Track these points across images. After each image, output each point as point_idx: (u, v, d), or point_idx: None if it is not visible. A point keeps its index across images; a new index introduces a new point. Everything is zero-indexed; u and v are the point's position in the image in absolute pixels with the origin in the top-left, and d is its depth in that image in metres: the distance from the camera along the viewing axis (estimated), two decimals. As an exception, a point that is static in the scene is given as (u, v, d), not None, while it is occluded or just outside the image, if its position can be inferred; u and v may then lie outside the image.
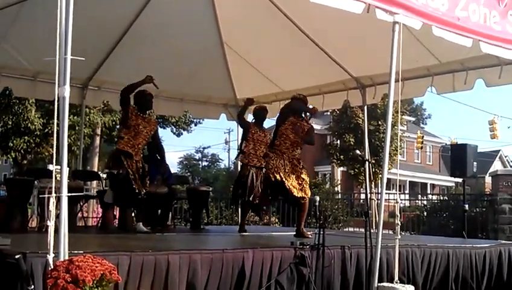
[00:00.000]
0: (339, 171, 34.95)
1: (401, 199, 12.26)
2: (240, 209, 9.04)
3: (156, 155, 7.75)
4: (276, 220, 14.10)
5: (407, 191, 33.76)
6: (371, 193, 10.48)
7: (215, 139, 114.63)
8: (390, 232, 5.85)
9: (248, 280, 4.66)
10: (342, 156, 26.92)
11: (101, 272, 3.19)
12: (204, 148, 61.12)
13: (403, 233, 11.16)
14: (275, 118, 8.08)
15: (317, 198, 6.14)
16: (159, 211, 8.35)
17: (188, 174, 50.69)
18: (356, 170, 25.53)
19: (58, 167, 3.55)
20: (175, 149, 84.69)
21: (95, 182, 11.92)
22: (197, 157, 63.02)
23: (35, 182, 7.37)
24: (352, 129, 25.73)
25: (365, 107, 9.61)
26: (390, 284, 5.02)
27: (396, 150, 17.62)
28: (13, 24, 7.62)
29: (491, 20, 5.69)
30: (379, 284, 4.99)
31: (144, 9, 8.34)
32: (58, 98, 3.55)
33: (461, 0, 5.38)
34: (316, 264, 5.05)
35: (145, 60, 9.03)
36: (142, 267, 4.07)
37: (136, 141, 7.02)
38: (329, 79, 9.23)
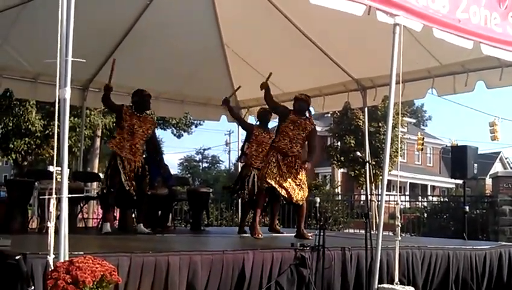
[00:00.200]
0: (339, 172, 34.95)
1: (401, 201, 12.27)
2: (240, 211, 9.05)
3: (156, 156, 7.75)
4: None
5: (407, 193, 33.78)
6: (371, 194, 10.48)
7: (216, 140, 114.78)
8: (391, 233, 5.85)
9: (248, 281, 4.66)
10: (342, 158, 26.90)
11: (101, 273, 3.20)
12: (204, 149, 61.18)
13: (403, 235, 11.17)
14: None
15: (318, 199, 6.14)
16: (159, 212, 8.35)
17: (188, 175, 50.70)
18: (356, 171, 25.52)
19: (59, 168, 3.55)
20: (175, 151, 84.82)
21: (95, 184, 11.91)
22: (198, 159, 63.07)
23: (36, 183, 7.37)
24: (352, 131, 25.72)
25: (366, 109, 9.62)
26: (390, 286, 5.02)
27: (397, 152, 17.58)
28: (14, 26, 7.62)
29: (492, 22, 5.69)
30: (379, 285, 4.99)
31: (144, 10, 8.34)
32: (59, 99, 3.56)
33: (462, 2, 5.39)
34: (316, 265, 5.05)
35: (146, 61, 9.04)
36: (142, 268, 4.08)
37: (133, 141, 6.99)
38: (329, 81, 9.24)
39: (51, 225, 3.48)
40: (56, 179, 3.54)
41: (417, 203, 19.80)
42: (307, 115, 7.14)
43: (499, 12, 5.78)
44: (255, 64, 9.46)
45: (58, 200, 3.49)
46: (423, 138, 29.59)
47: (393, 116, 5.16)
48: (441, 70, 7.94)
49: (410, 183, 39.19)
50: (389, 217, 12.78)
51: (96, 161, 19.04)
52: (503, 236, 10.97)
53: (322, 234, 5.02)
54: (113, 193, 6.86)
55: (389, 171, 5.66)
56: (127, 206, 7.53)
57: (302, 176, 6.92)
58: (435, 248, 6.24)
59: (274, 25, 8.26)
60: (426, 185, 42.41)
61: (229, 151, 50.64)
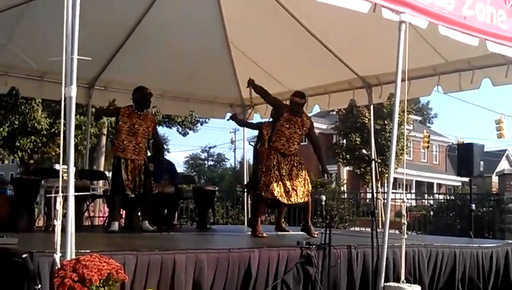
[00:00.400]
0: (345, 170, 34.91)
1: (407, 199, 12.22)
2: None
3: (162, 155, 7.78)
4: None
5: (413, 191, 33.70)
6: (377, 192, 10.49)
7: (221, 138, 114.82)
8: (397, 231, 5.84)
9: (254, 280, 4.66)
10: (348, 156, 26.89)
11: (108, 272, 3.20)
12: (210, 147, 61.30)
13: (410, 233, 11.13)
14: None
15: (324, 197, 6.17)
16: (166, 210, 8.37)
17: (194, 173, 50.81)
18: (362, 169, 25.50)
19: (65, 167, 3.56)
20: (181, 149, 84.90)
21: (101, 182, 11.95)
22: (203, 157, 63.19)
23: (42, 181, 7.40)
24: (358, 128, 25.70)
25: (371, 107, 9.59)
26: (396, 284, 5.01)
27: (403, 150, 17.55)
28: (19, 24, 7.64)
29: (498, 19, 5.67)
30: (385, 284, 4.98)
31: (149, 9, 8.35)
32: (64, 97, 3.57)
33: (468, -1, 5.37)
34: (322, 263, 5.04)
35: (151, 59, 9.05)
36: (148, 266, 4.09)
37: (136, 141, 6.99)
38: (335, 78, 9.22)
39: (58, 223, 3.49)
40: (62, 177, 3.55)
41: (423, 201, 19.76)
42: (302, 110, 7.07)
43: (504, 10, 5.76)
44: (260, 62, 9.46)
45: (65, 199, 3.50)
46: (429, 136, 29.43)
47: (399, 114, 5.14)
48: (446, 67, 7.91)
49: (416, 181, 39.10)
50: (395, 215, 12.76)
51: (102, 159, 19.08)
52: (509, 234, 10.93)
53: (328, 232, 5.01)
54: (118, 194, 6.90)
55: (395, 169, 5.66)
56: (131, 207, 7.56)
57: (303, 172, 6.91)
58: (441, 246, 6.23)
59: (279, 23, 8.25)
60: (432, 183, 42.30)
61: (235, 149, 50.77)
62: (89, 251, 3.61)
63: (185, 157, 61.27)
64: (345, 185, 28.60)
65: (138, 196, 6.99)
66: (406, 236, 5.08)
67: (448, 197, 17.98)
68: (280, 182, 6.69)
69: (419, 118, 45.21)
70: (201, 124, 23.61)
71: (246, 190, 8.37)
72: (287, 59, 9.02)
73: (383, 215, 6.40)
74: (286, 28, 8.29)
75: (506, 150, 44.58)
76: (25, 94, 11.30)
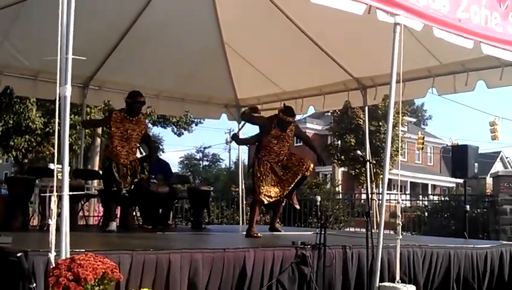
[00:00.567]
0: (339, 171, 34.96)
1: (402, 200, 12.26)
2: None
3: (158, 156, 7.79)
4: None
5: (408, 192, 33.77)
6: (372, 193, 10.49)
7: (216, 139, 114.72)
8: (392, 232, 5.85)
9: (249, 280, 4.67)
10: (342, 157, 26.93)
11: (103, 271, 3.20)
12: (205, 148, 61.30)
13: (404, 233, 11.13)
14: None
15: (319, 198, 6.18)
16: (160, 210, 8.36)
17: (189, 173, 50.78)
18: (357, 170, 25.56)
19: (60, 166, 3.55)
20: (176, 149, 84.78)
21: (96, 181, 11.93)
22: (198, 157, 63.18)
23: (37, 180, 7.39)
24: (353, 130, 25.75)
25: (366, 108, 9.61)
26: (391, 284, 5.03)
27: (397, 151, 17.64)
28: (14, 23, 7.62)
29: (492, 22, 5.69)
30: (380, 284, 4.99)
31: (145, 9, 8.34)
32: (59, 97, 3.56)
33: (462, 1, 5.38)
34: (318, 264, 5.05)
35: (146, 59, 9.05)
36: (143, 266, 4.08)
37: (129, 146, 7.05)
38: (330, 80, 9.24)
39: (52, 223, 3.48)
40: (57, 176, 3.54)
41: (418, 202, 19.81)
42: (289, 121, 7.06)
43: (499, 12, 5.78)
44: (255, 63, 9.47)
45: (59, 198, 3.49)
46: (423, 137, 29.55)
47: (394, 115, 5.16)
48: (441, 69, 7.93)
49: (410, 182, 39.21)
50: (390, 216, 12.77)
51: (97, 159, 19.02)
52: (504, 235, 10.97)
53: (323, 232, 5.02)
54: (111, 194, 6.91)
55: (390, 170, 5.67)
56: (126, 206, 7.55)
57: (294, 157, 7.00)
58: (436, 246, 6.25)
59: (274, 24, 8.26)
60: (427, 184, 42.43)
61: (230, 150, 50.71)
62: (83, 250, 3.61)
63: (180, 157, 61.29)
64: (340, 186, 28.65)
65: (133, 195, 7.01)
66: (400, 237, 5.09)
67: (442, 198, 17.99)
68: (278, 185, 6.80)
69: (414, 120, 45.34)
70: (196, 125, 23.63)
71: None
72: (282, 60, 9.03)
73: (378, 216, 6.41)
74: (281, 29, 8.31)
75: (500, 151, 44.79)
76: (19, 93, 11.27)
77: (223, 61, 9.83)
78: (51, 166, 10.44)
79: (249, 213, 7.52)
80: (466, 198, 10.68)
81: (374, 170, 19.15)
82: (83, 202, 8.28)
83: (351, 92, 9.27)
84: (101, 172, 10.42)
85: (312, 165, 6.99)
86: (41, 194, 6.39)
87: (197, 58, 9.32)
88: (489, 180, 22.30)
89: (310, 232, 6.78)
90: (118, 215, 7.92)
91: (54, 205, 3.48)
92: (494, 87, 7.59)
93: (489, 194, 15.55)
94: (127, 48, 8.87)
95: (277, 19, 8.14)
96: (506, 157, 46.75)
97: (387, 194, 5.36)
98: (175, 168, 48.32)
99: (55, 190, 3.50)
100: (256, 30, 8.55)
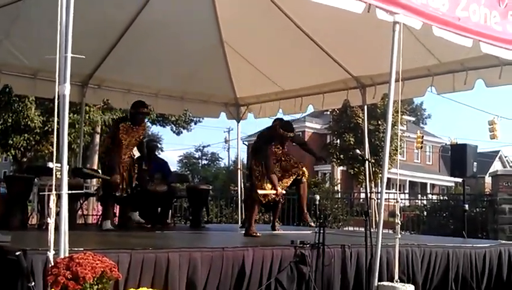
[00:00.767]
0: (338, 170, 34.97)
1: (401, 199, 12.25)
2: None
3: (156, 154, 7.82)
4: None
5: (407, 191, 33.79)
6: (371, 192, 10.52)
7: (215, 138, 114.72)
8: (390, 231, 5.86)
9: (248, 278, 4.67)
10: (342, 156, 26.95)
11: (102, 270, 3.20)
12: (204, 146, 61.27)
13: (403, 232, 11.16)
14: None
15: (317, 197, 6.19)
16: (159, 209, 8.36)
17: (188, 172, 50.74)
18: (356, 169, 25.57)
19: (58, 165, 3.55)
20: (175, 148, 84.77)
21: (94, 180, 11.91)
22: (197, 156, 63.18)
23: (35, 179, 7.38)
24: (352, 129, 25.76)
25: (365, 107, 9.60)
26: (390, 283, 5.03)
27: (396, 150, 17.63)
28: (14, 22, 7.60)
29: (492, 21, 5.69)
30: (379, 283, 5.00)
31: (144, 7, 8.33)
32: (58, 96, 3.56)
33: (462, 0, 5.38)
34: (316, 263, 5.05)
35: (145, 58, 9.04)
36: (142, 264, 4.08)
37: (130, 151, 7.27)
38: (329, 78, 9.23)
39: (51, 221, 3.48)
40: (56, 175, 3.54)
41: (417, 201, 19.81)
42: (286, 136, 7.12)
43: (498, 11, 5.78)
44: (254, 61, 9.47)
45: (58, 197, 3.49)
46: (422, 136, 29.58)
47: (393, 114, 5.15)
48: (440, 68, 7.93)
49: (409, 181, 39.24)
50: (389, 215, 12.79)
51: (96, 158, 18.99)
52: (502, 234, 10.98)
53: (321, 231, 5.02)
54: (110, 194, 6.95)
55: (389, 169, 5.67)
56: (124, 205, 7.57)
57: (292, 159, 7.13)
58: (435, 246, 6.25)
59: (273, 22, 8.25)
60: (426, 184, 42.47)
61: (229, 149, 50.72)
62: (82, 249, 3.60)
63: (179, 156, 61.29)
64: (339, 185, 28.64)
65: (131, 193, 7.08)
66: (399, 236, 5.09)
67: (441, 198, 18.02)
68: (277, 185, 6.82)
69: (413, 119, 45.37)
70: (195, 123, 23.63)
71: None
72: (282, 59, 9.02)
73: (377, 215, 6.42)
74: (280, 27, 8.30)
75: (499, 151, 44.83)
76: (18, 92, 11.24)
77: (222, 60, 9.82)
78: (50, 165, 10.40)
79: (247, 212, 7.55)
80: (465, 197, 10.70)
81: (373, 169, 19.11)
82: (81, 201, 8.27)
83: (350, 91, 9.27)
84: (100, 171, 10.49)
85: (306, 172, 7.05)
86: (40, 193, 6.39)
87: (196, 57, 9.31)
88: (488, 180, 22.35)
89: (309, 231, 6.77)
90: (117, 214, 7.93)
91: (52, 204, 3.48)
92: (493, 86, 7.59)
93: (488, 193, 15.57)
94: (126, 46, 8.86)
95: (276, 18, 8.13)
96: (505, 157, 46.77)
97: (386, 193, 5.36)
98: (174, 167, 48.37)
99: (54, 189, 3.50)
100: (256, 29, 8.54)
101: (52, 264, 3.32)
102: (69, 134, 3.92)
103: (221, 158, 61.74)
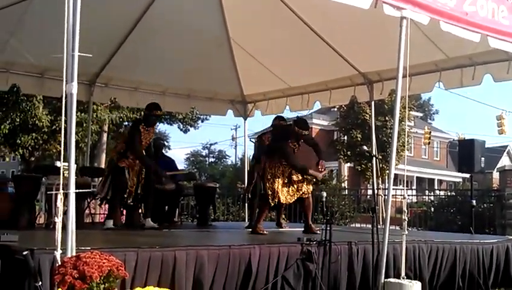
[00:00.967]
0: (345, 167, 34.86)
1: (408, 195, 12.23)
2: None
3: (163, 152, 7.83)
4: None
5: (414, 187, 33.66)
6: (378, 188, 10.49)
7: (222, 135, 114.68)
8: (397, 228, 5.83)
9: (255, 276, 4.67)
10: (349, 152, 26.88)
11: (108, 268, 3.20)
12: (211, 144, 61.29)
13: (410, 229, 11.14)
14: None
15: (324, 194, 6.16)
16: (166, 207, 8.38)
17: (195, 170, 50.81)
18: (363, 165, 25.50)
19: (66, 164, 3.56)
20: (182, 145, 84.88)
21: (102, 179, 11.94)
22: (204, 154, 63.23)
23: (43, 178, 7.40)
24: (359, 125, 25.69)
25: (372, 103, 9.58)
26: (397, 280, 5.02)
27: (404, 146, 17.53)
28: (21, 21, 7.63)
29: (499, 15, 5.66)
30: (386, 279, 4.99)
31: (150, 6, 8.34)
32: (65, 94, 3.57)
33: (469, -5, 5.35)
34: (323, 260, 5.05)
35: (152, 56, 9.05)
36: (149, 263, 4.09)
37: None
38: (336, 75, 9.20)
39: (58, 220, 3.49)
40: (63, 174, 3.55)
41: (424, 197, 19.76)
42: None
43: (506, 5, 5.75)
44: (261, 58, 9.45)
45: (66, 196, 3.50)
46: (430, 132, 29.44)
47: (400, 110, 5.14)
48: (448, 63, 7.89)
49: (417, 177, 39.09)
50: (396, 211, 12.74)
51: (103, 156, 19.11)
52: (510, 230, 10.92)
53: (328, 228, 5.01)
54: (119, 197, 6.99)
55: (396, 165, 5.65)
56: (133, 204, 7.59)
57: (296, 177, 6.92)
58: (442, 242, 6.23)
59: (280, 19, 8.24)
60: (433, 179, 42.28)
61: (236, 146, 50.71)
62: (89, 247, 3.61)
63: (186, 154, 61.35)
64: (346, 182, 28.53)
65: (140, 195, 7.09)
66: (406, 232, 5.08)
67: (449, 193, 17.96)
68: (286, 188, 6.79)
69: (421, 115, 45.15)
70: (202, 121, 23.64)
71: (248, 195, 8.32)
72: (288, 55, 9.01)
73: (384, 212, 6.41)
74: (287, 24, 8.28)
75: (507, 146, 44.55)
76: (26, 91, 11.30)
77: (228, 58, 9.81)
78: (58, 164, 10.45)
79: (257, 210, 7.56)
80: (472, 193, 10.63)
81: (380, 165, 19.09)
82: (89, 200, 8.30)
83: (357, 87, 9.24)
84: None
85: (311, 189, 7.01)
86: (48, 192, 6.41)
87: (203, 54, 9.30)
88: (495, 175, 22.19)
89: (317, 229, 6.77)
90: (124, 213, 7.95)
91: (60, 203, 3.49)
92: (502, 80, 7.55)
93: (495, 188, 15.50)
94: (132, 45, 8.88)
95: (283, 15, 8.12)
96: (514, 152, 46.55)
97: (393, 189, 5.35)
98: (181, 164, 48.45)
99: (61, 188, 3.51)
100: (262, 26, 8.53)
101: (59, 263, 3.33)
102: (76, 133, 3.93)
103: (228, 156, 61.75)
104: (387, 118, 23.26)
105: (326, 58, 8.75)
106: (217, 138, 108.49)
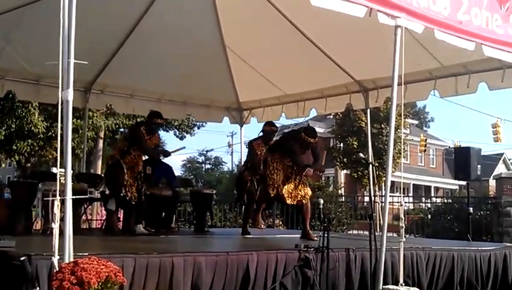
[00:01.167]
0: (342, 174, 34.90)
1: (405, 202, 12.23)
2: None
3: (160, 159, 7.82)
4: (280, 223, 14.09)
5: (411, 194, 33.68)
6: (375, 195, 10.47)
7: (218, 142, 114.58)
8: (395, 235, 5.86)
9: (253, 283, 4.67)
10: (345, 159, 26.93)
11: (106, 274, 3.20)
12: (207, 151, 61.18)
13: (407, 236, 11.14)
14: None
15: (321, 201, 6.18)
16: (163, 213, 8.36)
17: (192, 177, 50.67)
18: (359, 173, 25.54)
19: (62, 170, 3.56)
20: (178, 152, 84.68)
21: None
22: (200, 160, 63.10)
23: (40, 184, 7.38)
24: (355, 132, 25.74)
25: (368, 111, 9.61)
26: (395, 287, 5.02)
27: (400, 153, 17.66)
28: (17, 28, 7.65)
29: (493, 24, 5.70)
30: (384, 286, 4.98)
31: (146, 12, 8.36)
32: (61, 101, 3.57)
33: (463, 4, 5.39)
34: (321, 266, 5.05)
35: (148, 63, 9.07)
36: (147, 269, 4.09)
37: (139, 159, 7.31)
38: (332, 82, 9.24)
39: (55, 226, 3.49)
40: (60, 180, 3.55)
41: (421, 204, 19.76)
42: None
43: (500, 14, 5.78)
44: (256, 66, 9.48)
45: (62, 202, 3.50)
46: (426, 139, 29.51)
47: (396, 118, 5.15)
48: (442, 71, 7.93)
49: (413, 184, 39.11)
50: (393, 218, 12.78)
51: (99, 163, 19.03)
52: (507, 237, 10.95)
53: (326, 235, 5.02)
54: (117, 198, 6.98)
55: (392, 172, 5.66)
56: (129, 209, 7.58)
57: (297, 182, 7.01)
58: (440, 249, 6.24)
59: (275, 26, 8.27)
60: (430, 187, 42.33)
61: (232, 153, 50.63)
62: (87, 253, 3.61)
63: (182, 160, 61.15)
64: (343, 189, 28.59)
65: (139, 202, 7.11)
66: (404, 239, 5.08)
67: (445, 201, 17.98)
68: (287, 185, 6.85)
69: (416, 122, 45.28)
70: (198, 128, 23.60)
71: (245, 199, 8.33)
72: (284, 63, 9.03)
73: (381, 219, 6.41)
74: (283, 32, 8.32)
75: (503, 153, 44.67)
76: (21, 98, 11.28)
77: (224, 65, 9.84)
78: (54, 170, 10.45)
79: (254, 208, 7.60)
80: (469, 200, 10.67)
81: (377, 173, 19.03)
82: (85, 206, 8.28)
83: (352, 95, 9.28)
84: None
85: (310, 193, 7.04)
86: (44, 198, 6.40)
87: (198, 61, 9.32)
88: (492, 182, 22.24)
89: (314, 235, 6.77)
90: (121, 219, 7.93)
91: (57, 209, 3.49)
92: (496, 89, 7.60)
93: (492, 196, 15.54)
94: (128, 51, 8.89)
95: (278, 22, 8.15)
96: (509, 159, 46.65)
97: (390, 196, 5.36)
98: (178, 171, 48.32)
99: (58, 194, 3.51)
100: (258, 33, 8.56)
101: (57, 269, 3.32)
102: (72, 139, 3.93)
103: (224, 162, 61.72)
104: (383, 126, 23.32)
105: (322, 66, 8.78)
106: (213, 144, 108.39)
